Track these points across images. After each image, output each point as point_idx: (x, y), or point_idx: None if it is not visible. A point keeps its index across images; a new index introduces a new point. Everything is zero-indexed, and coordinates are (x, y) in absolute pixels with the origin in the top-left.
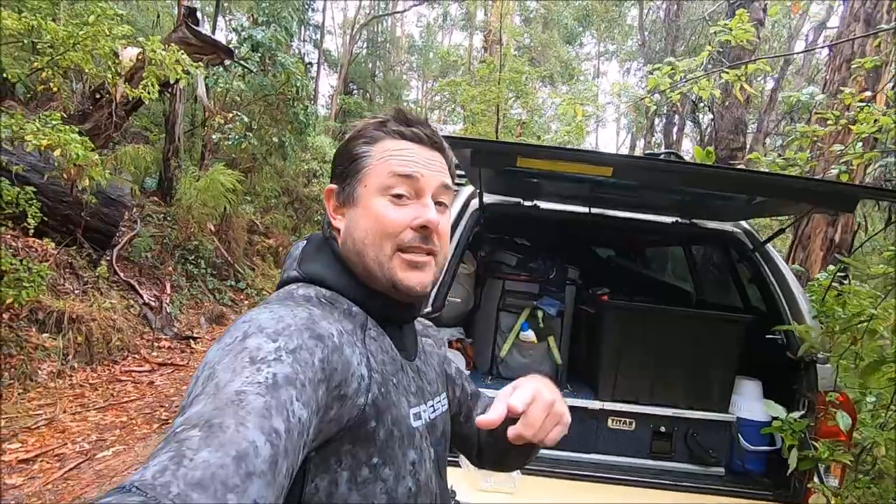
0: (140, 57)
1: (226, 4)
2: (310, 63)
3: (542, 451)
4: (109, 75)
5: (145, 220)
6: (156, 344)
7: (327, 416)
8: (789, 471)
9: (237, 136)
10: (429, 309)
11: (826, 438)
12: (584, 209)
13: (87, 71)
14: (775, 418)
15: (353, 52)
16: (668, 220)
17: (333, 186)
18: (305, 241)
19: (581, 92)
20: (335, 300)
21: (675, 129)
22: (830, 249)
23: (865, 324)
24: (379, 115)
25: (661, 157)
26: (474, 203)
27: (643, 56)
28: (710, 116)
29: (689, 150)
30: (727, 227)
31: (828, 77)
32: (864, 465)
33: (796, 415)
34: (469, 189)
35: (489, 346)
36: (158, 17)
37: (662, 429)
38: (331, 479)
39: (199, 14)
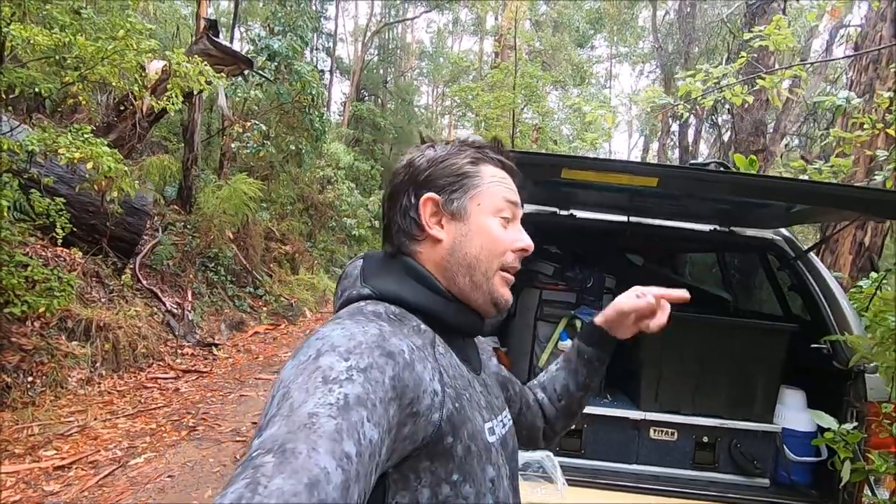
0: (165, 69)
1: (242, 15)
2: (322, 71)
3: (584, 462)
4: (136, 88)
5: (166, 229)
6: (179, 351)
7: (401, 435)
8: (842, 483)
9: (255, 145)
10: None
11: (878, 450)
12: (622, 218)
13: (113, 84)
14: (825, 429)
15: (365, 60)
16: (707, 228)
17: (437, 197)
18: (362, 260)
19: (595, 96)
20: (403, 317)
21: (690, 132)
22: (860, 253)
23: None
24: (469, 139)
25: (709, 166)
26: None
27: (657, 58)
28: (729, 118)
29: (703, 152)
30: (767, 234)
31: (853, 78)
32: None
33: (848, 426)
34: None
35: (526, 355)
36: (178, 29)
37: (705, 439)
38: (411, 496)
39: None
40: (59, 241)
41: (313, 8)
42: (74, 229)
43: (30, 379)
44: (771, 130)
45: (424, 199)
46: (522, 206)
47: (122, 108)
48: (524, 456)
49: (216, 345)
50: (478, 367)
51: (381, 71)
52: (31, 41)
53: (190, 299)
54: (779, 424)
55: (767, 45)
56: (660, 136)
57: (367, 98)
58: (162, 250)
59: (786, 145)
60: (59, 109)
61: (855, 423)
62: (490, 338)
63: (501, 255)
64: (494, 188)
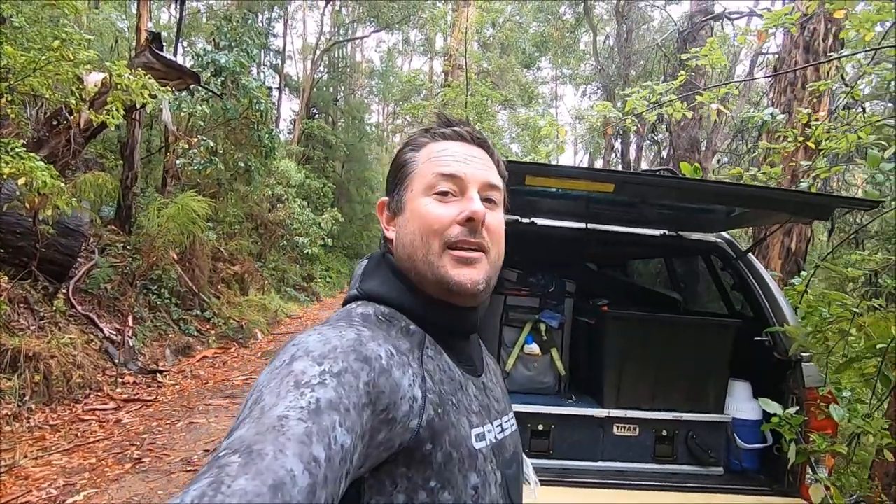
0: (105, 82)
1: (185, 29)
2: (270, 88)
3: (552, 462)
4: (73, 101)
5: (104, 251)
6: (120, 380)
7: (375, 441)
8: (790, 464)
9: (202, 161)
10: None
11: (817, 432)
12: (580, 224)
13: (46, 96)
14: (772, 415)
15: (315, 77)
16: (657, 232)
17: (385, 199)
18: (366, 260)
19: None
20: (393, 317)
21: (632, 148)
22: (787, 258)
23: (836, 325)
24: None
25: (658, 173)
26: None
27: (598, 80)
28: (666, 136)
29: (644, 168)
30: (710, 237)
31: (774, 99)
32: (848, 454)
33: (792, 410)
34: None
35: None
36: (117, 42)
37: (664, 433)
38: (386, 501)
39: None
40: None
41: (261, 24)
42: (4, 251)
43: None
44: (703, 147)
45: (379, 205)
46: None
47: (54, 122)
48: None
49: (161, 371)
50: (479, 368)
51: (332, 89)
52: None
53: (131, 324)
54: (729, 415)
55: (704, 63)
56: (604, 153)
57: (317, 116)
58: (99, 273)
59: (717, 161)
60: None
61: (796, 409)
62: None
63: (441, 233)
64: (425, 167)
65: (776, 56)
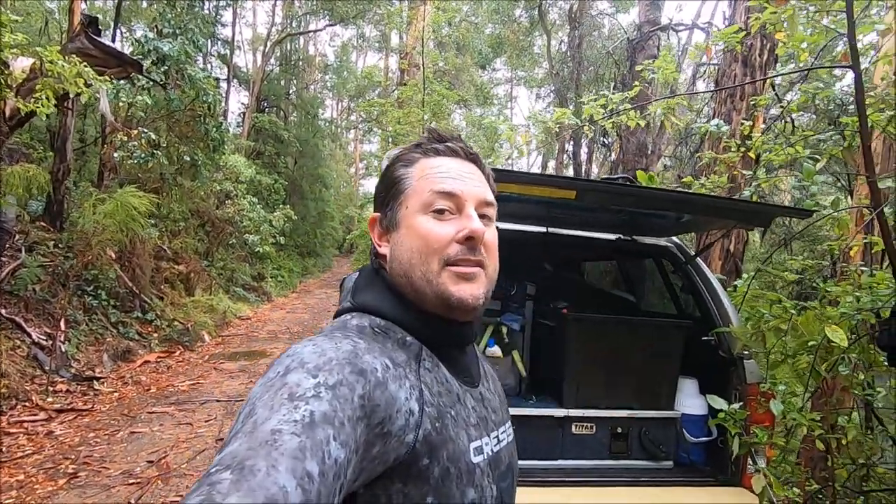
0: (35, 67)
1: (124, 14)
2: (218, 79)
3: None
4: None
5: (31, 249)
6: (51, 388)
7: (369, 455)
8: (733, 456)
9: (143, 155)
10: None
11: (757, 425)
12: (541, 229)
13: None
14: (718, 411)
15: (266, 70)
16: (612, 237)
17: (376, 215)
18: (358, 273)
19: (500, 116)
20: (389, 329)
21: (582, 151)
22: (727, 258)
23: (771, 323)
24: (415, 141)
25: (618, 181)
26: None
27: (551, 83)
28: (617, 140)
29: (595, 171)
30: (662, 241)
31: (716, 108)
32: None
33: (736, 405)
34: None
35: None
36: (47, 23)
37: (619, 430)
38: None
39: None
40: None
41: (207, 12)
42: None
43: None
44: (650, 152)
45: (370, 220)
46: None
47: None
48: None
49: (97, 378)
50: (476, 379)
51: (284, 82)
52: None
53: (63, 328)
54: (678, 411)
55: (658, 77)
56: (556, 155)
57: (268, 110)
58: (26, 273)
59: (663, 166)
60: None
61: (740, 404)
62: None
63: (440, 251)
64: (421, 184)
65: (717, 67)
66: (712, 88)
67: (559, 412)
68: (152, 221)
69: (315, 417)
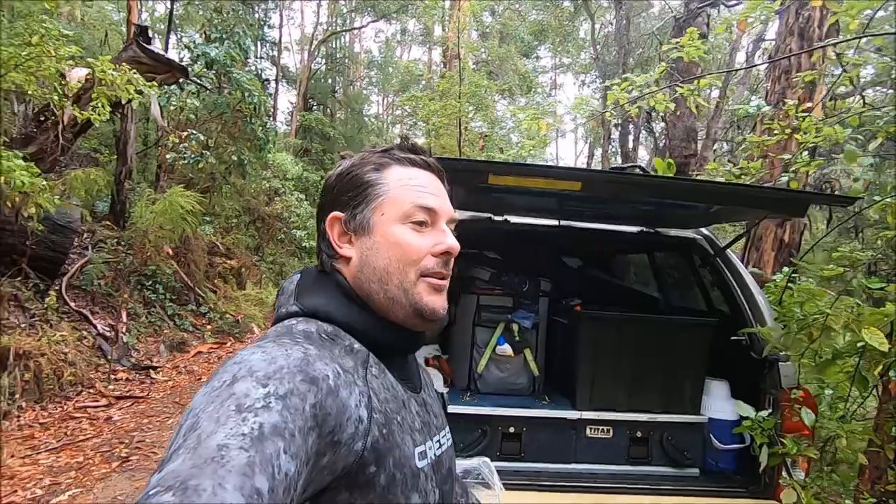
0: (89, 77)
1: (179, 22)
2: (267, 80)
3: (523, 465)
4: (56, 97)
5: (97, 246)
6: (112, 376)
7: (319, 465)
8: (761, 467)
9: (193, 156)
10: None
11: (792, 434)
12: (554, 222)
13: (30, 92)
14: (745, 417)
15: (312, 69)
16: (634, 229)
17: (340, 214)
18: (299, 275)
19: (539, 105)
20: (337, 336)
21: (630, 138)
22: (780, 249)
23: (821, 322)
24: (380, 145)
25: (626, 170)
26: None
27: (597, 69)
28: (664, 126)
29: (643, 157)
30: (689, 234)
31: (769, 88)
32: (826, 455)
33: (764, 413)
34: None
35: (466, 361)
36: (107, 35)
37: (639, 434)
38: None
39: (150, 32)
40: None
41: (256, 16)
42: None
43: None
44: (703, 137)
45: (329, 220)
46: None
47: (41, 118)
48: (462, 463)
49: (154, 367)
50: (418, 385)
51: (330, 80)
52: None
53: (124, 320)
54: (705, 415)
55: (682, 56)
56: (602, 142)
57: (315, 108)
58: (92, 269)
59: (716, 150)
60: None
61: (770, 410)
62: (431, 346)
63: (417, 263)
64: (400, 193)
65: (773, 43)
66: (754, 64)
67: (572, 414)
68: (208, 219)
69: (265, 430)
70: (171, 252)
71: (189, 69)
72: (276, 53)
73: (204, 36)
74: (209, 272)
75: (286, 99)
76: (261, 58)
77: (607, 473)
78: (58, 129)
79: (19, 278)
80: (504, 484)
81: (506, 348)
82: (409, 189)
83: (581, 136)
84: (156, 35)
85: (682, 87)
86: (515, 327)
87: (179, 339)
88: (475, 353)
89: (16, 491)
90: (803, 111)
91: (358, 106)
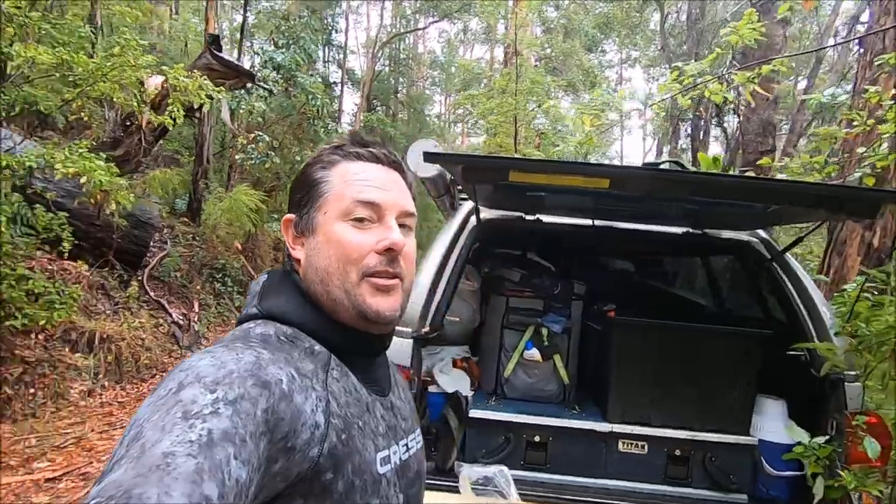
0: (165, 84)
1: (253, 30)
2: (334, 83)
3: (548, 476)
4: (136, 103)
5: (175, 241)
6: None
7: (271, 471)
8: (815, 500)
9: (259, 156)
10: (426, 329)
11: (857, 464)
12: (589, 222)
13: (115, 100)
14: (799, 442)
15: (376, 70)
16: (679, 230)
17: (291, 216)
18: (266, 276)
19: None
20: (296, 338)
21: (701, 134)
22: (868, 255)
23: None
24: (335, 140)
25: (662, 166)
26: (474, 219)
27: (665, 60)
28: (736, 119)
29: (714, 154)
30: (742, 236)
31: (858, 75)
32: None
33: (821, 439)
34: (469, 205)
35: (494, 364)
36: (186, 44)
37: (678, 452)
38: None
39: (227, 39)
40: (66, 255)
41: (324, 21)
42: (82, 243)
43: (31, 391)
44: (788, 131)
45: (284, 221)
46: (461, 196)
47: (128, 123)
48: (479, 471)
49: None
50: (386, 387)
51: (392, 81)
52: (34, 60)
53: (196, 310)
54: (756, 436)
55: (737, 40)
56: (669, 138)
57: (378, 108)
58: (170, 262)
59: (795, 146)
60: (71, 126)
61: (830, 436)
62: (461, 346)
63: (358, 262)
64: (342, 189)
65: (866, 26)
66: (860, 49)
67: (603, 426)
68: (276, 216)
69: (214, 436)
70: (239, 247)
71: (256, 74)
72: (342, 57)
73: (272, 42)
74: (273, 266)
75: (352, 101)
76: (328, 62)
77: (641, 492)
78: (140, 133)
79: (106, 269)
80: (527, 495)
81: (534, 353)
82: (352, 184)
83: (649, 132)
84: (231, 43)
85: (737, 75)
86: (545, 331)
87: None
88: (503, 356)
89: (91, 463)
90: (890, 98)
91: (419, 106)
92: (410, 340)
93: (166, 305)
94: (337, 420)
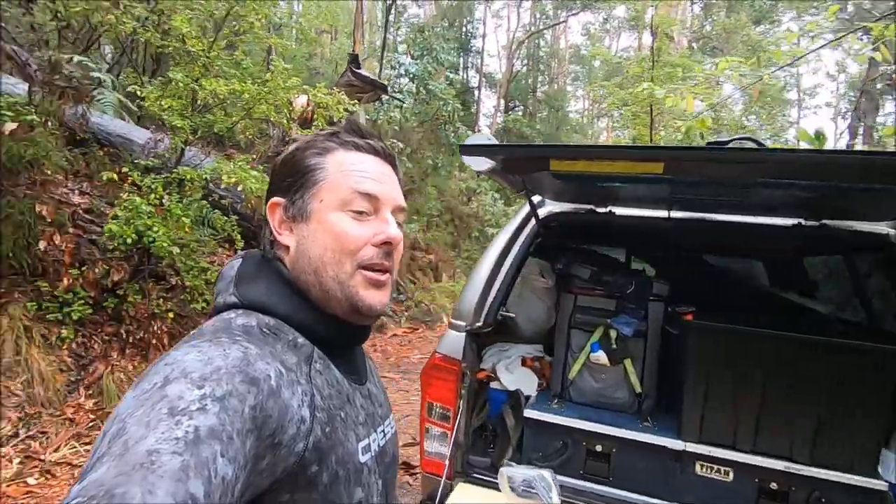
0: (309, 103)
1: (395, 44)
2: (473, 87)
3: (610, 490)
4: (285, 121)
5: None
6: None
7: (258, 468)
8: None
9: None
10: (480, 323)
11: None
12: (664, 213)
13: (272, 119)
14: None
15: (513, 71)
16: (789, 222)
17: (280, 200)
18: (240, 260)
19: (775, 77)
20: (279, 330)
21: None
22: None
23: None
24: (328, 128)
25: (733, 144)
26: (542, 212)
27: (853, 24)
28: None
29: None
30: (880, 228)
31: None
32: None
33: None
34: (535, 199)
35: (561, 366)
36: (337, 65)
37: (774, 486)
38: None
39: (371, 56)
40: (238, 251)
41: (464, 27)
42: (251, 241)
43: None
44: None
45: (270, 205)
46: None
47: (286, 139)
48: (521, 472)
49: None
50: (363, 376)
51: (530, 80)
52: (216, 91)
53: None
54: (888, 479)
55: None
56: (863, 115)
57: (515, 108)
58: None
59: None
60: (251, 143)
61: None
62: (535, 346)
63: (354, 253)
64: (340, 179)
65: None
66: None
67: (676, 444)
68: (415, 217)
69: (200, 433)
70: None
71: (390, 86)
72: (479, 62)
73: (409, 54)
74: (410, 265)
75: (490, 104)
76: (467, 68)
77: None
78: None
79: None
80: None
81: (600, 356)
82: (350, 174)
83: (842, 111)
84: (373, 59)
85: None
86: (613, 334)
87: (380, 322)
88: (569, 356)
89: None
90: None
91: (558, 103)
92: (463, 334)
93: None
94: (321, 413)
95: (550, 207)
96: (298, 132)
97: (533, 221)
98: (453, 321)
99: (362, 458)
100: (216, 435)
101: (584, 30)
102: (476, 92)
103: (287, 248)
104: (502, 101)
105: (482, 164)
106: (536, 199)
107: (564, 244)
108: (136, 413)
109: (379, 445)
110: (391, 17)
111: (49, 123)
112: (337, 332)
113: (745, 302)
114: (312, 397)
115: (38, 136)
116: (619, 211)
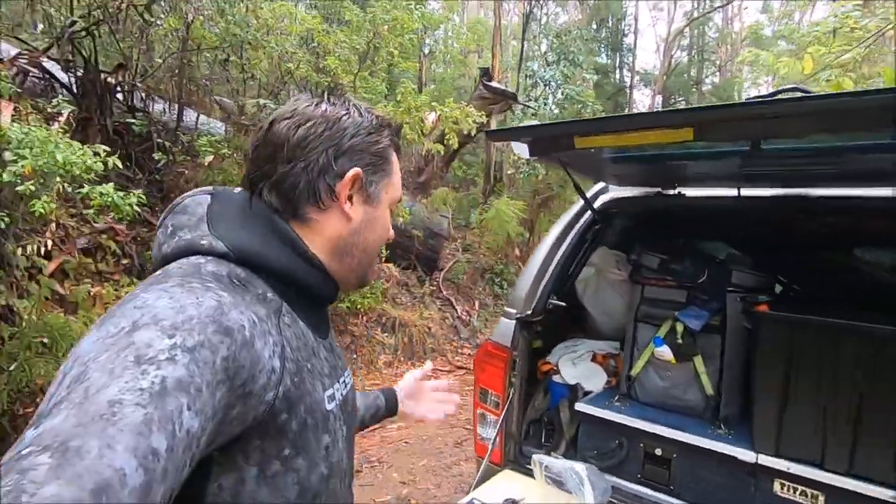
0: (439, 118)
1: (531, 54)
2: (625, 87)
3: (670, 499)
4: (416, 136)
5: (466, 249)
6: (459, 350)
7: (228, 417)
8: None
9: (527, 170)
10: (529, 311)
11: None
12: (737, 192)
13: (409, 138)
14: None
15: (670, 65)
16: (889, 193)
17: (360, 171)
18: (210, 197)
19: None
20: (249, 282)
21: None
22: None
23: None
24: (383, 117)
25: (777, 95)
26: (603, 199)
27: None
28: None
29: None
30: None
31: None
32: None
33: None
34: (598, 186)
35: (627, 361)
36: (475, 81)
37: None
38: (237, 476)
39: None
40: (383, 259)
41: (619, 26)
42: (396, 250)
43: (354, 357)
44: None
45: (354, 173)
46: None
47: (426, 154)
48: (552, 463)
49: None
50: (325, 331)
51: (693, 72)
52: None
53: (476, 308)
54: None
55: None
56: None
57: (678, 103)
58: (458, 266)
59: None
60: None
61: None
62: (609, 342)
63: (384, 244)
64: (396, 182)
65: None
66: None
67: (747, 455)
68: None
69: (167, 385)
70: (518, 254)
71: (517, 95)
72: (631, 60)
73: (544, 60)
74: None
75: (645, 102)
76: (620, 67)
77: None
78: (434, 161)
79: (409, 270)
80: None
81: (664, 351)
82: (398, 178)
83: None
84: (513, 71)
85: None
86: (680, 328)
87: None
88: (635, 352)
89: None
90: None
91: (726, 94)
92: (514, 322)
93: (454, 303)
94: (290, 364)
95: (613, 193)
96: (429, 146)
97: (587, 210)
98: (507, 309)
99: (328, 406)
100: (184, 387)
101: (764, 8)
102: (628, 92)
103: (344, 217)
104: (659, 98)
105: (523, 149)
106: (600, 185)
107: (634, 232)
108: (100, 358)
109: (342, 395)
110: (533, 27)
111: (235, 155)
112: (326, 289)
113: (828, 291)
114: (283, 348)
115: (227, 165)
116: (690, 192)
